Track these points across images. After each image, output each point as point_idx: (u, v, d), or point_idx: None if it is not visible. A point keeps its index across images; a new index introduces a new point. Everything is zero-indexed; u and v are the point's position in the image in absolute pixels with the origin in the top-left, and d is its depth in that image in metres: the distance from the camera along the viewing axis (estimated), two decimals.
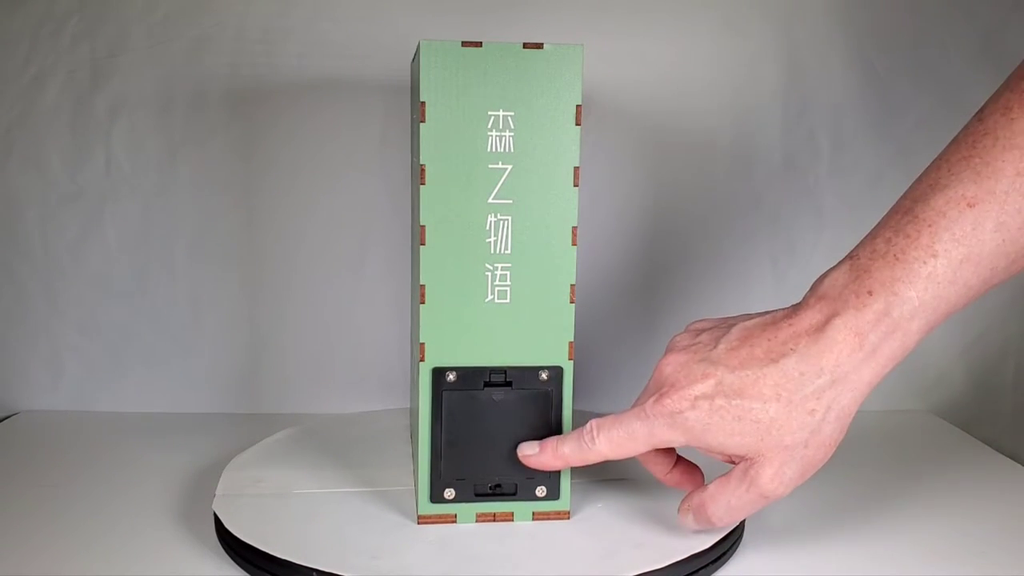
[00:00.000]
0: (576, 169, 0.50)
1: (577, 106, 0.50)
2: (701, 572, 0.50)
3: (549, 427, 0.52)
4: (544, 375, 0.52)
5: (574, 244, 0.51)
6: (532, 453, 0.51)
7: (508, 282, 0.51)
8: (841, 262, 0.48)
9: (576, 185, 0.50)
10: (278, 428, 0.67)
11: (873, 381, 0.46)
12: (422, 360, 0.51)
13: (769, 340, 0.47)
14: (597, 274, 0.77)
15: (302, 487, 0.57)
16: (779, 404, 0.46)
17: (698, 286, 0.79)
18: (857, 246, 0.48)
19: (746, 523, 0.55)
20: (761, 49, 0.76)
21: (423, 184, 0.49)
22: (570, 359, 0.52)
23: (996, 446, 0.72)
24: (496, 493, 0.52)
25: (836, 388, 0.46)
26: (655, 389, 0.49)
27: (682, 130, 0.77)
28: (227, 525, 0.51)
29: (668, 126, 0.76)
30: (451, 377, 0.51)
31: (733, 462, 0.48)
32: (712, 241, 0.78)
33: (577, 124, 0.50)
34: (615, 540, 0.51)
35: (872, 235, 0.47)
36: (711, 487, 0.49)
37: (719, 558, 0.51)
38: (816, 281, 0.48)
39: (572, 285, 0.51)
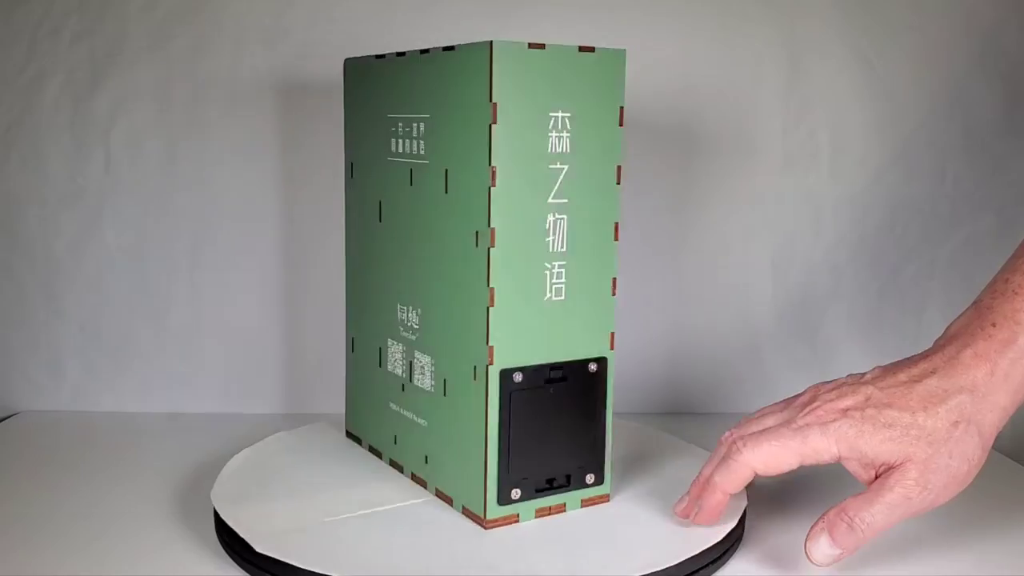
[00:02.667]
0: (619, 168, 0.52)
1: (620, 107, 0.51)
2: (701, 572, 0.50)
3: (595, 416, 0.53)
4: (593, 367, 0.53)
5: (616, 239, 0.52)
6: (696, 510, 0.51)
7: (563, 279, 0.51)
8: (965, 310, 0.51)
9: (619, 183, 0.52)
10: (278, 428, 0.67)
11: (1009, 408, 0.49)
12: (490, 363, 0.50)
13: (909, 369, 0.50)
14: None
15: (302, 486, 0.57)
16: (926, 414, 0.48)
17: (697, 286, 0.79)
18: (979, 294, 0.52)
19: (746, 523, 0.55)
20: (761, 49, 0.76)
21: (494, 186, 0.49)
22: (611, 349, 0.53)
23: (996, 446, 0.72)
24: (553, 486, 0.53)
25: (975, 405, 0.48)
26: (800, 409, 0.51)
27: (682, 129, 0.77)
28: (227, 524, 0.51)
29: (668, 126, 0.76)
30: (518, 378, 0.51)
31: (877, 477, 0.49)
32: (712, 241, 0.78)
33: (620, 125, 0.51)
34: (615, 539, 0.51)
35: (992, 281, 0.51)
36: (852, 497, 0.49)
37: (719, 558, 0.51)
38: (944, 331, 0.52)
39: (614, 279, 0.53)
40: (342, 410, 0.75)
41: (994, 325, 0.49)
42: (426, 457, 0.57)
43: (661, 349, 0.80)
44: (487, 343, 0.50)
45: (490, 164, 0.49)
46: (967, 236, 0.78)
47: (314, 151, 0.75)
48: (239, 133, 0.75)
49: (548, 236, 0.50)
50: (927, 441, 0.47)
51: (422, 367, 0.56)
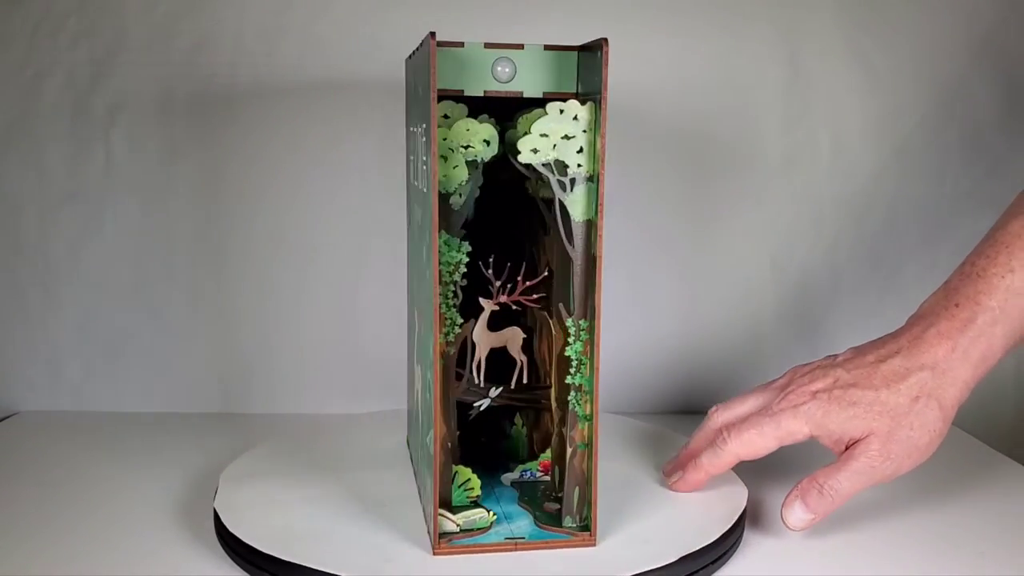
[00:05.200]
0: None
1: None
2: (701, 572, 0.50)
3: None
4: None
5: None
6: (678, 478, 0.57)
7: None
8: (936, 290, 0.57)
9: None
10: (278, 428, 0.67)
11: (970, 381, 0.54)
12: None
13: (877, 350, 0.56)
14: None
15: (302, 487, 0.57)
16: (888, 391, 0.53)
17: (698, 286, 0.79)
18: (949, 275, 0.57)
19: (746, 523, 0.55)
20: (761, 49, 0.76)
21: None
22: None
23: (996, 446, 0.72)
24: None
25: (936, 380, 0.53)
26: (777, 393, 0.56)
27: (682, 130, 0.77)
28: (227, 525, 0.51)
29: (668, 126, 0.76)
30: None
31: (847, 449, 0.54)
32: (712, 241, 0.78)
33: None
34: (616, 538, 0.51)
35: (961, 263, 0.57)
36: (822, 468, 0.53)
37: (719, 558, 0.51)
38: (917, 310, 0.57)
39: None
40: (342, 410, 0.74)
41: (957, 305, 0.54)
42: None
43: (662, 349, 0.80)
44: None
45: None
46: (967, 236, 0.78)
47: (314, 149, 0.75)
48: (238, 133, 0.75)
49: None
50: (889, 416, 0.52)
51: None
